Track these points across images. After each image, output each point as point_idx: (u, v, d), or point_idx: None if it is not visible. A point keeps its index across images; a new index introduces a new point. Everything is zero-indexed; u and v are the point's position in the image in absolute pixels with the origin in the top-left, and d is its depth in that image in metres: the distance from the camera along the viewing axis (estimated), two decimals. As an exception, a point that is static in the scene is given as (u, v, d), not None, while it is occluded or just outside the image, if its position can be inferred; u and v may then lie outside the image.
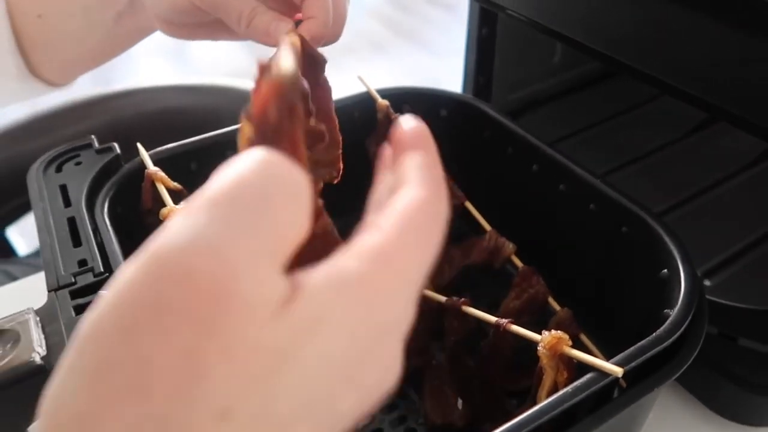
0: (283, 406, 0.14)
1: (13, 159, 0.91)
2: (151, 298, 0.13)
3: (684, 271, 0.38)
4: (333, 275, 0.16)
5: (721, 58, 0.38)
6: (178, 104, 1.06)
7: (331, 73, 0.36)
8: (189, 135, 1.09)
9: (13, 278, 0.73)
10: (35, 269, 0.76)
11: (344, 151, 0.60)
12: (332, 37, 0.38)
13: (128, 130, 1.00)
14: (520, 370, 0.45)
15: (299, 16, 0.37)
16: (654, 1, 0.41)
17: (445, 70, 0.75)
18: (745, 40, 0.36)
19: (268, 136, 0.18)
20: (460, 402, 0.45)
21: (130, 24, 0.45)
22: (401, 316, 0.17)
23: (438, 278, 0.51)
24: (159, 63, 2.31)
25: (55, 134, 0.96)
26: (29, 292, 0.59)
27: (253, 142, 0.19)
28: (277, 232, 0.15)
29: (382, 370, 0.17)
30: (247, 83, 1.04)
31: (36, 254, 0.92)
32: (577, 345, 0.45)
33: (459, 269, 0.51)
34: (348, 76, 0.59)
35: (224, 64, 2.23)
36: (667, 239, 0.40)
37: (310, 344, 0.14)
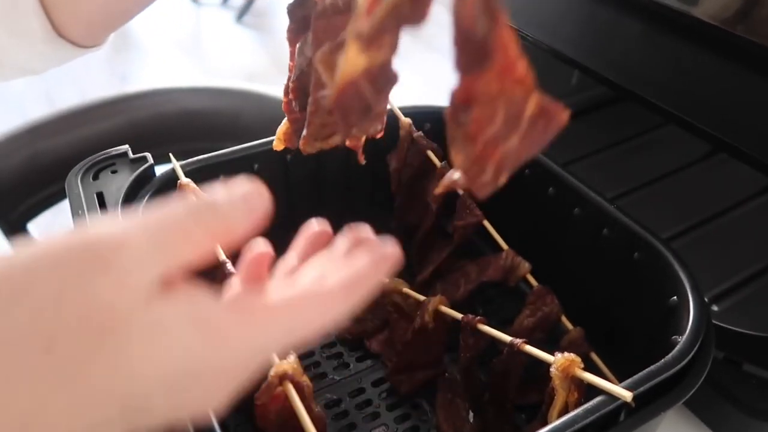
0: (99, 367, 0.16)
1: (34, 157, 0.93)
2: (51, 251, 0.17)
3: (693, 299, 0.39)
4: (195, 310, 0.19)
5: (727, 95, 0.40)
6: (196, 107, 1.07)
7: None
8: (206, 138, 1.10)
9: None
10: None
11: (365, 166, 0.62)
12: None
13: (146, 130, 1.01)
14: (529, 386, 0.46)
15: None
16: (664, 37, 0.42)
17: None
18: (749, 78, 0.38)
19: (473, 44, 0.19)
20: (471, 415, 0.47)
21: None
22: (227, 371, 0.19)
23: (454, 293, 0.53)
24: (175, 62, 2.34)
25: (74, 133, 0.97)
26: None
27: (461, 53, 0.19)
28: (174, 252, 0.18)
29: (190, 401, 0.19)
30: (266, 88, 1.06)
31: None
32: (588, 363, 0.47)
33: (475, 285, 0.52)
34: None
35: (243, 67, 2.25)
36: (677, 267, 0.42)
37: (143, 340, 0.17)
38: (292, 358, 0.36)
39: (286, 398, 0.34)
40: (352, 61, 0.23)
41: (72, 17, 0.42)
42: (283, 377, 0.34)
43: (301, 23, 0.36)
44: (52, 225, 1.34)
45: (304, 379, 0.36)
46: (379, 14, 0.21)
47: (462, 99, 0.21)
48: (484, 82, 0.20)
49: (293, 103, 0.38)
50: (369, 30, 0.22)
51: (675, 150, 0.68)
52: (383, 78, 0.26)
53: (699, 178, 0.66)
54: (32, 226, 0.95)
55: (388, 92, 0.30)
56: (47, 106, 0.96)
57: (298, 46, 0.36)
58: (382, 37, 0.22)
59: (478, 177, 0.23)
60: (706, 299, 0.50)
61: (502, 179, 0.24)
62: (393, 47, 0.23)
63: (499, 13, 0.18)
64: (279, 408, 0.35)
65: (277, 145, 0.41)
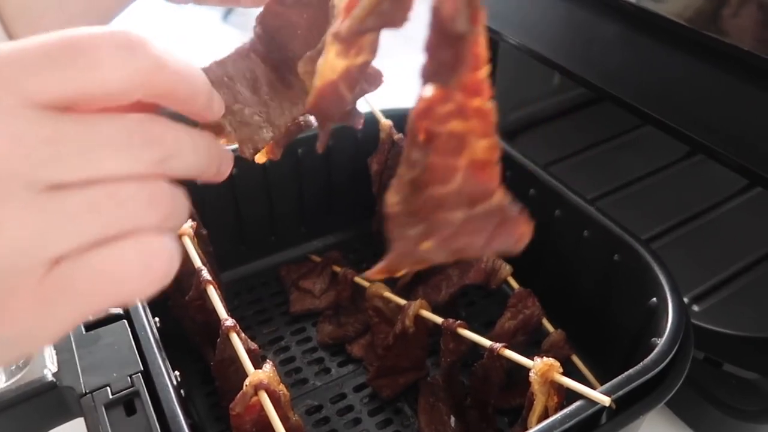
0: None
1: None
2: None
3: (672, 301, 0.39)
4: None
5: (703, 97, 0.40)
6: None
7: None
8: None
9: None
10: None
11: (347, 169, 0.61)
12: None
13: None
14: (511, 389, 0.46)
15: None
16: (641, 39, 0.42)
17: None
18: (725, 80, 0.38)
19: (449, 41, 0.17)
20: (453, 419, 0.46)
21: None
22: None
23: (436, 296, 0.52)
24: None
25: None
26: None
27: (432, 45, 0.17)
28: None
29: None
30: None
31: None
32: (570, 366, 0.47)
33: (457, 288, 0.52)
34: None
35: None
36: (656, 269, 0.41)
37: None
38: (268, 367, 0.35)
39: (262, 408, 0.34)
40: (331, 63, 0.21)
41: (32, 31, 0.40)
42: (258, 386, 0.34)
43: None
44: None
45: (281, 388, 0.35)
46: (359, 14, 0.20)
47: (421, 126, 0.19)
48: (447, 105, 0.18)
49: None
50: (347, 31, 0.20)
51: (655, 150, 0.68)
52: (363, 79, 0.25)
53: (679, 178, 0.66)
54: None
55: (369, 92, 0.29)
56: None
57: None
58: (362, 39, 0.21)
59: (403, 227, 0.20)
60: (686, 300, 0.51)
61: (425, 247, 0.20)
62: (373, 49, 0.22)
63: (479, 13, 0.17)
64: (255, 418, 0.34)
65: (260, 158, 0.40)
